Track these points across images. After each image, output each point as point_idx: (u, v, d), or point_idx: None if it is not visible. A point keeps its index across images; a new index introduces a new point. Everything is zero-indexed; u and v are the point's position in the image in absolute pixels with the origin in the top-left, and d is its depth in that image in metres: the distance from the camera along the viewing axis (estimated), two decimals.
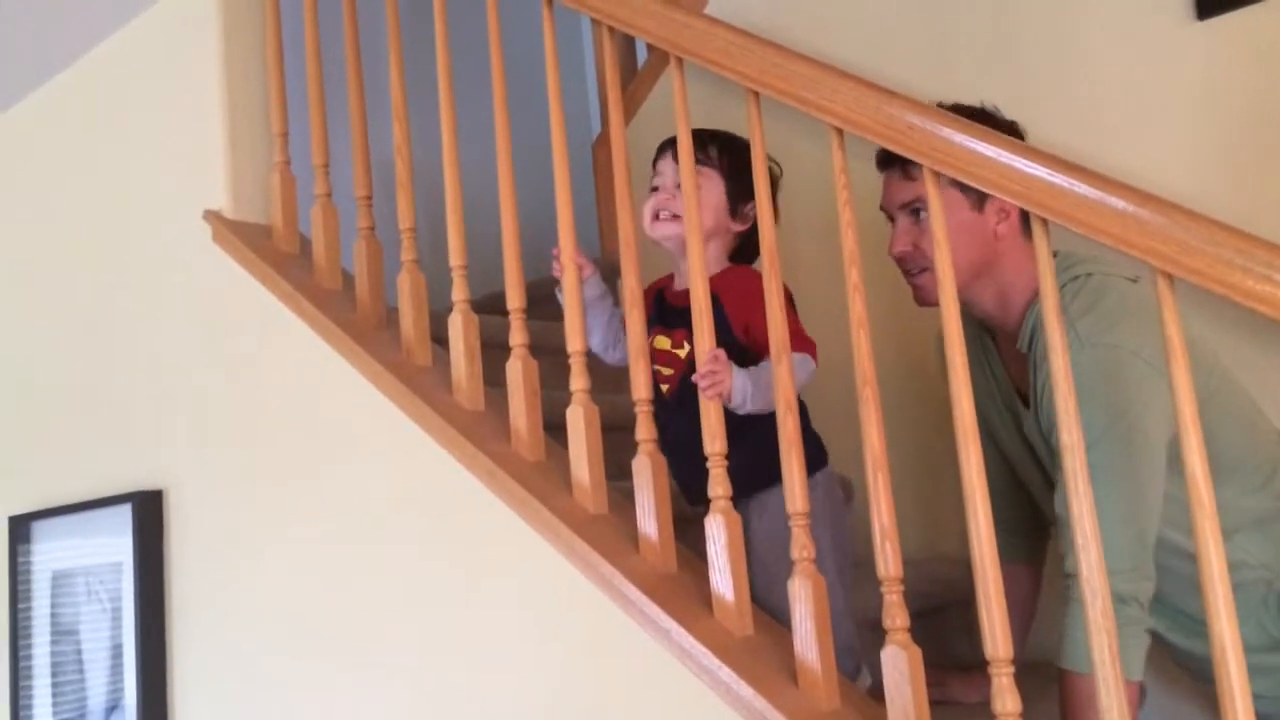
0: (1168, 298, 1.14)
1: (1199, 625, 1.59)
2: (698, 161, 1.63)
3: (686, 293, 1.68)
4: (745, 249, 1.75)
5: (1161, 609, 1.59)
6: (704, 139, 1.70)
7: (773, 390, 1.46)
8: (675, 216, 1.67)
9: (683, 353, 1.67)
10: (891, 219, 1.75)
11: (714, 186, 1.68)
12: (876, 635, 1.64)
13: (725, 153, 1.71)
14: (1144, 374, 1.48)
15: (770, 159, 1.58)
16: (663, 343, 1.70)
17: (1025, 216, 1.65)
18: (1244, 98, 1.94)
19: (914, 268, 1.71)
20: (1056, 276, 1.62)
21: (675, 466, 1.65)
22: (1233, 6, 1.96)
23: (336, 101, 2.17)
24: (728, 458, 1.52)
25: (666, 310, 1.73)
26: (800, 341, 1.57)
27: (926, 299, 1.71)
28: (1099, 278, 1.59)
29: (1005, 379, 1.77)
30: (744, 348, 1.62)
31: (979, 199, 1.61)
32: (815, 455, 1.64)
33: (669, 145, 1.72)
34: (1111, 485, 1.42)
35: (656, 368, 1.68)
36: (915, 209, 1.68)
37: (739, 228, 1.72)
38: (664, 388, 1.69)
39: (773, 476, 1.53)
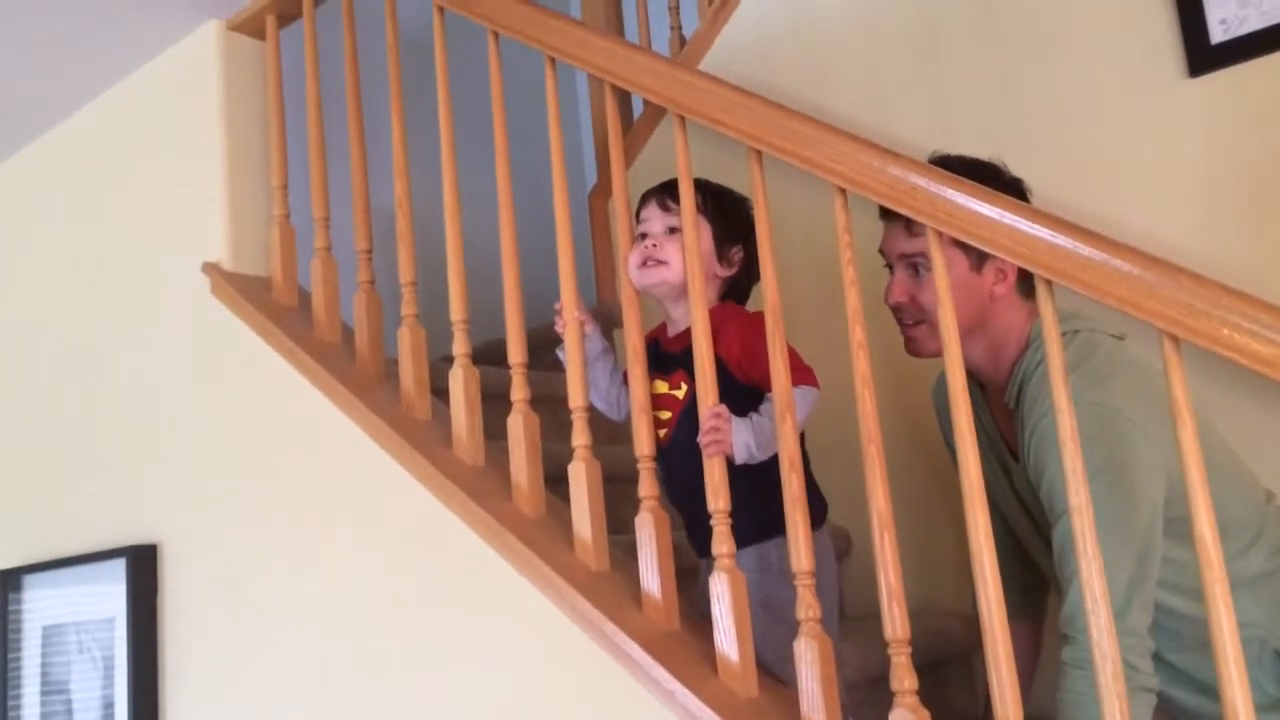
0: (1174, 360, 1.14)
1: (1184, 675, 1.59)
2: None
3: (679, 337, 1.69)
4: (732, 293, 1.75)
5: (1158, 664, 1.57)
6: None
7: (775, 440, 1.46)
8: (661, 264, 1.67)
9: (680, 393, 1.67)
10: (889, 265, 1.75)
11: (702, 233, 1.67)
12: (866, 690, 1.63)
13: (710, 199, 1.71)
14: (1130, 434, 1.48)
15: (745, 197, 1.56)
16: (660, 387, 1.70)
17: (1022, 274, 1.66)
18: (1236, 154, 1.95)
19: (909, 319, 1.72)
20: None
21: (680, 514, 1.64)
22: (1223, 64, 1.98)
23: (335, 155, 2.18)
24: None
25: (662, 357, 1.72)
26: (799, 373, 1.55)
27: (918, 350, 1.73)
28: (1086, 334, 1.60)
29: (995, 432, 1.77)
30: (741, 385, 1.61)
31: (978, 260, 1.62)
32: (816, 510, 1.62)
33: (653, 194, 1.73)
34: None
35: (655, 413, 1.67)
36: (914, 263, 1.69)
37: (725, 273, 1.72)
38: (661, 433, 1.67)
39: (759, 532, 1.55)
